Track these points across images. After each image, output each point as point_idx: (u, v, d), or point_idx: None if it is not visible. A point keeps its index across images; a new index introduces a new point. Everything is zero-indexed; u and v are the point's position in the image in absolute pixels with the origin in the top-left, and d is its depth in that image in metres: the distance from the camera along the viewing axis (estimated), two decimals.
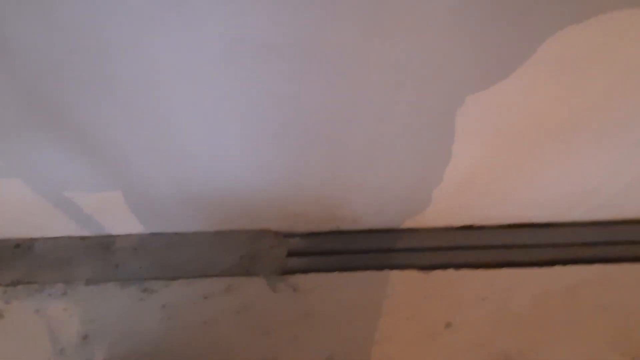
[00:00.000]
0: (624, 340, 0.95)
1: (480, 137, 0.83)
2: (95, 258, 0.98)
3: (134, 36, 0.60)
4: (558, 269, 1.01)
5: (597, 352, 0.95)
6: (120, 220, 0.98)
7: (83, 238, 1.00)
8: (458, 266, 0.99)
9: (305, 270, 0.97)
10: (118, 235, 1.00)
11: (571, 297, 0.98)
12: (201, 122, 0.77)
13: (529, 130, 0.82)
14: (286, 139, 0.81)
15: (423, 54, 0.65)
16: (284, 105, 0.75)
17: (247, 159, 0.85)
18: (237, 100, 0.74)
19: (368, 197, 0.96)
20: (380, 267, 0.98)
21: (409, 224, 1.03)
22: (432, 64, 0.67)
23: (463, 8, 0.58)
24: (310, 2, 0.57)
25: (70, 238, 1.00)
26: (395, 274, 0.97)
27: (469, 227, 1.03)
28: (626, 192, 0.97)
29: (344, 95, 0.74)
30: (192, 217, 0.97)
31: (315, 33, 0.61)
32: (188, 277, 0.94)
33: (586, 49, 0.66)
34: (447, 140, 0.82)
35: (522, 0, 0.58)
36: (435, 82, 0.70)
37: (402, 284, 0.97)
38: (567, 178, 0.93)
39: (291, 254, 0.99)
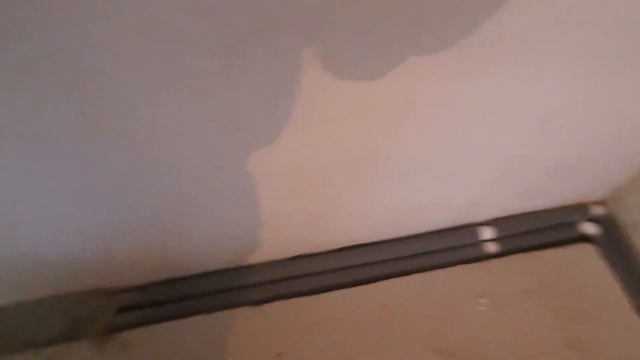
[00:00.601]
0: (445, 343, 1.05)
1: (282, 181, 0.88)
2: None
3: None
4: (382, 284, 1.09)
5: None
6: None
7: None
8: (288, 296, 1.05)
9: (135, 325, 0.98)
10: None
11: (396, 308, 1.07)
12: None
13: (322, 169, 0.88)
14: (92, 198, 0.81)
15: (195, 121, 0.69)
16: (92, 165, 0.75)
17: (56, 222, 0.84)
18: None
19: (193, 243, 0.98)
20: (211, 310, 1.01)
21: (240, 263, 1.07)
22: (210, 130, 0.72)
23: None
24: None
25: None
26: (226, 314, 1.01)
27: (299, 257, 1.09)
28: (436, 207, 1.08)
29: (133, 159, 0.76)
30: (7, 289, 0.94)
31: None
32: (7, 354, 0.91)
33: (352, 103, 0.73)
34: (251, 188, 0.87)
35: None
36: (221, 142, 0.75)
37: (234, 323, 1.00)
38: (376, 203, 1.02)
39: (122, 309, 0.99)
